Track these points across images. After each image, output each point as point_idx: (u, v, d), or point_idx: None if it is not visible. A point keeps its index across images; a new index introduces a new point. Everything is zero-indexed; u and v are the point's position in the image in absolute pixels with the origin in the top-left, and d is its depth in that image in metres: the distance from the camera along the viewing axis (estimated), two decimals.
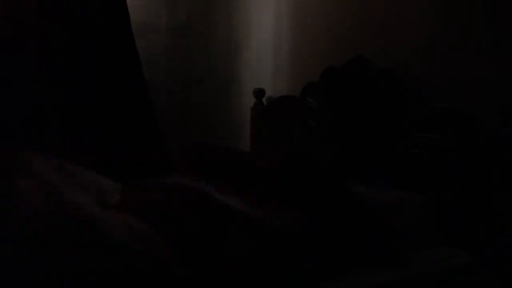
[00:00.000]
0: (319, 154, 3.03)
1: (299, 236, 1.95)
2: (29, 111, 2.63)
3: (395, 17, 3.14)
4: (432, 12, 2.98)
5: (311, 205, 2.07)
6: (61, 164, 2.06)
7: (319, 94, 3.31)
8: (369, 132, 2.99)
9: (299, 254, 1.94)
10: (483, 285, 2.34)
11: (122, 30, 3.07)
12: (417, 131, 2.83)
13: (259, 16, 3.89)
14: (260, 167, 2.29)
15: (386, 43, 3.16)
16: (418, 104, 2.89)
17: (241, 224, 1.93)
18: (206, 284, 1.74)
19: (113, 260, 1.65)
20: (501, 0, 2.70)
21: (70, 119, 2.81)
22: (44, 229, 1.67)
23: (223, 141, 3.69)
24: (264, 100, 3.78)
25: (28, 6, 2.75)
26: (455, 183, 2.66)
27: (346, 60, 3.19)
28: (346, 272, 2.01)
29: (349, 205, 2.15)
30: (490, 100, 2.67)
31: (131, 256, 1.68)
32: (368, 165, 2.91)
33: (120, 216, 1.84)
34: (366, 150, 2.96)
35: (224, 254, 1.81)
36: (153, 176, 2.37)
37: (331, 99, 3.22)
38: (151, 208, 1.96)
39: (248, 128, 3.80)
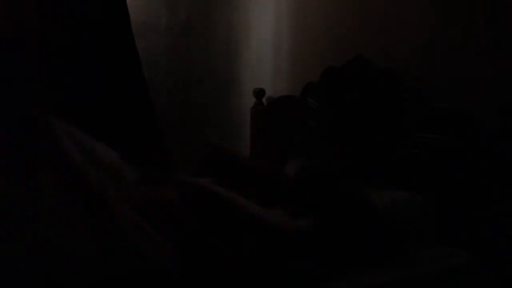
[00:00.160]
0: (319, 154, 3.03)
1: (300, 236, 1.96)
2: (29, 111, 2.63)
3: (395, 17, 3.14)
4: (432, 12, 2.98)
5: (312, 206, 2.07)
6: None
7: (319, 94, 3.31)
8: (369, 132, 2.99)
9: (299, 254, 1.94)
10: (483, 285, 2.34)
11: (122, 30, 3.07)
12: (417, 131, 2.83)
13: (259, 16, 3.89)
14: (277, 178, 2.28)
15: (386, 43, 3.16)
16: (418, 104, 2.88)
17: (242, 224, 1.93)
18: (206, 284, 1.75)
19: (130, 267, 1.67)
20: (501, 0, 2.70)
21: (70, 119, 2.80)
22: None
23: (223, 141, 3.69)
24: (264, 100, 3.78)
25: (28, 6, 2.75)
26: (455, 183, 2.66)
27: (346, 60, 3.19)
28: (346, 272, 2.01)
29: (349, 205, 2.15)
30: (490, 100, 2.67)
31: (143, 262, 1.69)
32: (368, 165, 2.90)
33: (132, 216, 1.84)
34: (366, 150, 2.96)
35: (224, 254, 1.81)
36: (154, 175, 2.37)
37: (331, 99, 3.22)
38: (156, 206, 1.95)
39: (248, 128, 3.80)
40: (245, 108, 3.81)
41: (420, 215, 2.49)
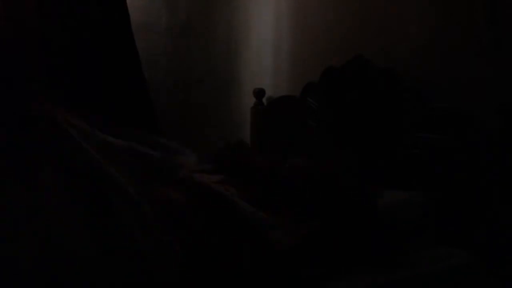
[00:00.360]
0: (319, 154, 3.03)
1: (300, 240, 1.96)
2: (29, 111, 2.62)
3: (395, 17, 3.14)
4: (432, 12, 2.98)
5: (313, 207, 2.07)
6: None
7: (319, 94, 3.31)
8: (369, 132, 2.99)
9: (299, 256, 1.94)
10: (483, 285, 2.35)
11: (122, 30, 3.07)
12: (417, 131, 2.83)
13: (259, 16, 3.89)
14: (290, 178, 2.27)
15: (386, 43, 3.16)
16: (418, 104, 2.89)
17: (244, 225, 1.93)
18: (207, 284, 1.75)
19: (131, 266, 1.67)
20: (501, 0, 2.70)
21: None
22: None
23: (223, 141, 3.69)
24: (264, 100, 3.78)
25: (28, 6, 2.74)
26: (455, 183, 2.66)
27: (346, 60, 3.19)
28: (346, 272, 2.01)
29: (349, 205, 2.15)
30: (490, 100, 2.68)
31: (144, 262, 1.70)
32: (368, 165, 2.91)
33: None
34: (366, 150, 2.96)
35: (225, 255, 1.81)
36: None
37: (331, 99, 3.22)
38: (159, 206, 1.95)
39: (248, 128, 3.80)
40: (245, 108, 3.81)
41: (420, 215, 2.49)
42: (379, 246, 2.13)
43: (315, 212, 2.07)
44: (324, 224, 2.04)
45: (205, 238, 1.85)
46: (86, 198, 1.80)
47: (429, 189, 2.63)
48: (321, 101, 3.29)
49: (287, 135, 3.46)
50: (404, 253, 2.22)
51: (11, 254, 1.62)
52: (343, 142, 3.06)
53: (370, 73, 3.08)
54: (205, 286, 1.76)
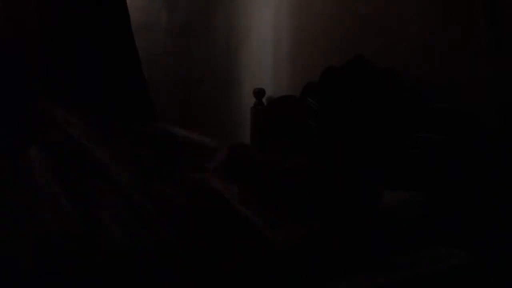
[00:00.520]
0: (319, 154, 3.03)
1: (300, 241, 1.95)
2: (29, 111, 2.63)
3: (395, 17, 3.14)
4: (432, 12, 2.98)
5: (313, 207, 2.07)
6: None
7: (319, 94, 3.31)
8: (369, 132, 2.99)
9: (299, 256, 1.94)
10: (483, 285, 2.34)
11: (122, 30, 3.07)
12: (417, 131, 2.84)
13: (259, 16, 3.89)
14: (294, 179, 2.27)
15: (386, 43, 3.16)
16: (418, 104, 2.89)
17: (244, 225, 1.93)
18: (204, 284, 1.75)
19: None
20: (501, 0, 2.70)
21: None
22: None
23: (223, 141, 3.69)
24: (264, 100, 3.78)
25: (28, 6, 2.74)
26: (455, 183, 2.66)
27: (346, 60, 3.19)
28: (346, 272, 2.01)
29: (349, 205, 2.15)
30: (490, 100, 2.68)
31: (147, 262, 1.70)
32: (368, 165, 2.91)
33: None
34: (366, 150, 2.96)
35: (225, 255, 1.81)
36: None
37: (331, 99, 3.22)
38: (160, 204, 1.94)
39: (248, 128, 3.80)
40: (245, 108, 3.81)
41: (420, 215, 2.49)
42: (379, 246, 2.13)
43: (315, 212, 2.07)
44: (324, 224, 2.03)
45: (205, 238, 1.85)
46: (84, 199, 1.80)
47: (429, 189, 2.63)
48: (321, 101, 3.29)
49: (287, 135, 3.46)
50: (404, 253, 2.22)
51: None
52: (343, 142, 3.06)
53: (370, 73, 3.08)
54: (204, 285, 1.76)
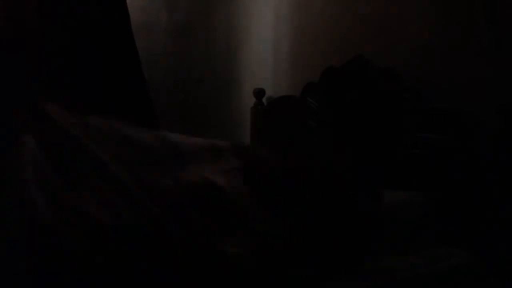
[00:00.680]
0: (320, 154, 3.03)
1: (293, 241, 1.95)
2: (29, 111, 2.63)
3: (395, 17, 3.14)
4: (432, 12, 2.98)
5: (313, 207, 2.07)
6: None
7: (319, 94, 3.31)
8: (369, 132, 2.99)
9: (299, 256, 1.94)
10: (483, 285, 2.34)
11: (122, 30, 3.07)
12: (417, 131, 2.84)
13: (259, 16, 3.89)
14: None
15: (386, 43, 3.16)
16: (418, 104, 2.89)
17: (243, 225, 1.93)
18: (202, 284, 1.74)
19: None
20: (501, 0, 2.70)
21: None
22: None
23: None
24: (264, 100, 3.78)
25: (28, 6, 2.74)
26: (455, 183, 2.66)
27: (346, 60, 3.19)
28: (346, 272, 2.01)
29: (350, 206, 2.14)
30: (490, 100, 2.68)
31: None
32: (368, 165, 2.91)
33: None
34: (366, 150, 2.96)
35: (222, 254, 1.81)
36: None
37: (331, 99, 3.22)
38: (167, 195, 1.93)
39: (248, 128, 3.80)
40: (245, 108, 3.81)
41: (420, 215, 2.49)
42: (378, 246, 2.13)
43: (315, 212, 2.07)
44: (323, 224, 2.03)
45: (200, 234, 1.84)
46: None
47: (429, 189, 2.63)
48: (321, 101, 3.29)
49: (287, 135, 3.46)
50: (404, 253, 2.22)
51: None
52: (343, 142, 3.06)
53: (370, 73, 3.08)
54: (201, 282, 1.76)
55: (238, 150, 2.30)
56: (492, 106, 2.62)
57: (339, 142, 3.08)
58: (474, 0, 2.80)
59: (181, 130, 3.54)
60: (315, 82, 3.38)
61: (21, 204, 1.69)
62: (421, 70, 2.99)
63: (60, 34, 2.83)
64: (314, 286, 1.91)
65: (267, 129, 3.66)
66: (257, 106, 3.75)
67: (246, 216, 1.96)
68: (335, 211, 2.09)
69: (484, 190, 2.59)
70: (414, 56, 3.03)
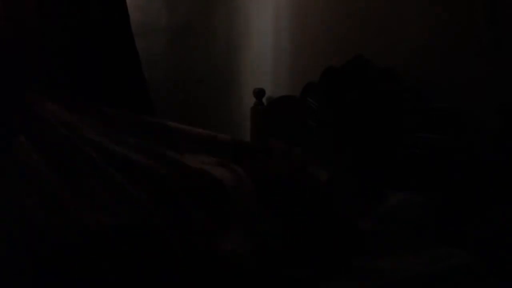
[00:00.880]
0: (319, 154, 3.03)
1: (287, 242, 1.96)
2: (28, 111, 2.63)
3: (395, 17, 3.14)
4: (432, 12, 2.98)
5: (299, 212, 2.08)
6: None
7: (319, 94, 3.31)
8: (369, 132, 2.99)
9: (298, 256, 1.94)
10: (483, 285, 2.34)
11: (122, 30, 3.07)
12: (417, 131, 2.83)
13: (259, 16, 3.89)
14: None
15: (386, 43, 3.16)
16: (418, 104, 2.89)
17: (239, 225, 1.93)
18: (202, 284, 1.74)
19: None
20: (501, 0, 2.70)
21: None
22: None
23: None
24: (264, 100, 3.78)
25: (28, 6, 2.74)
26: (455, 183, 2.66)
27: (346, 60, 3.19)
28: (346, 272, 2.01)
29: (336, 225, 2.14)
30: (490, 100, 2.68)
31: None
32: (368, 165, 2.91)
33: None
34: (366, 150, 2.96)
35: (221, 254, 1.81)
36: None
37: (331, 99, 3.22)
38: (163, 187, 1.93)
39: (248, 128, 3.80)
40: (245, 108, 3.81)
41: (420, 215, 2.49)
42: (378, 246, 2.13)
43: (308, 214, 2.08)
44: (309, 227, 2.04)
45: (199, 234, 1.84)
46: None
47: (429, 189, 2.63)
48: (321, 101, 3.29)
49: (287, 135, 3.46)
50: (404, 253, 2.22)
51: None
52: (343, 142, 3.06)
53: (370, 73, 3.08)
54: (200, 282, 1.76)
55: (238, 145, 2.31)
56: (492, 106, 2.62)
57: (339, 142, 3.08)
58: (474, 0, 2.80)
59: None
60: (315, 82, 3.38)
61: (19, 206, 1.69)
62: (421, 70, 2.99)
63: (60, 34, 2.83)
64: (313, 286, 1.91)
65: (267, 129, 3.66)
66: (257, 106, 3.75)
67: (246, 215, 1.96)
68: (316, 218, 2.09)
69: (484, 190, 2.58)
70: (414, 56, 3.03)
